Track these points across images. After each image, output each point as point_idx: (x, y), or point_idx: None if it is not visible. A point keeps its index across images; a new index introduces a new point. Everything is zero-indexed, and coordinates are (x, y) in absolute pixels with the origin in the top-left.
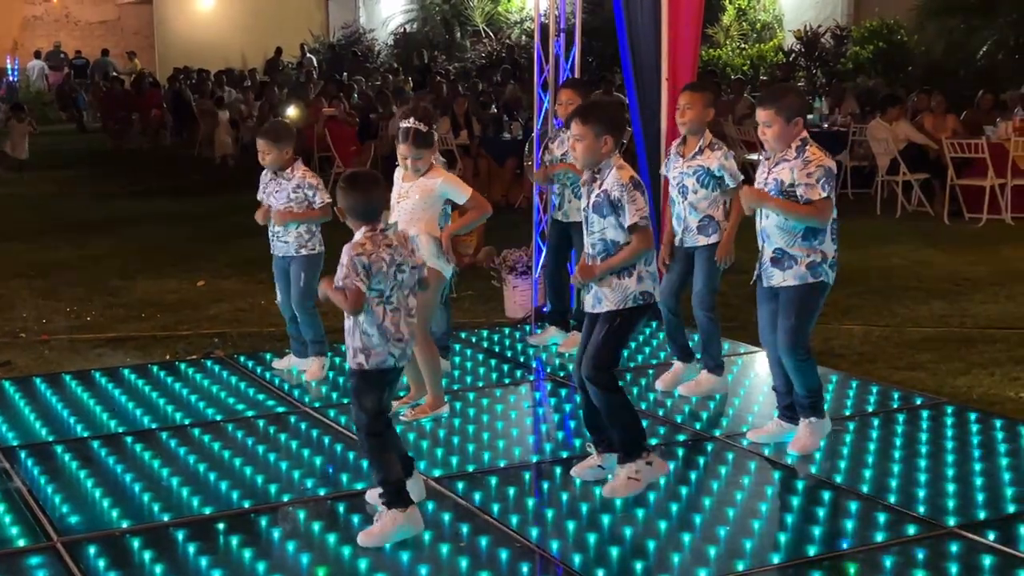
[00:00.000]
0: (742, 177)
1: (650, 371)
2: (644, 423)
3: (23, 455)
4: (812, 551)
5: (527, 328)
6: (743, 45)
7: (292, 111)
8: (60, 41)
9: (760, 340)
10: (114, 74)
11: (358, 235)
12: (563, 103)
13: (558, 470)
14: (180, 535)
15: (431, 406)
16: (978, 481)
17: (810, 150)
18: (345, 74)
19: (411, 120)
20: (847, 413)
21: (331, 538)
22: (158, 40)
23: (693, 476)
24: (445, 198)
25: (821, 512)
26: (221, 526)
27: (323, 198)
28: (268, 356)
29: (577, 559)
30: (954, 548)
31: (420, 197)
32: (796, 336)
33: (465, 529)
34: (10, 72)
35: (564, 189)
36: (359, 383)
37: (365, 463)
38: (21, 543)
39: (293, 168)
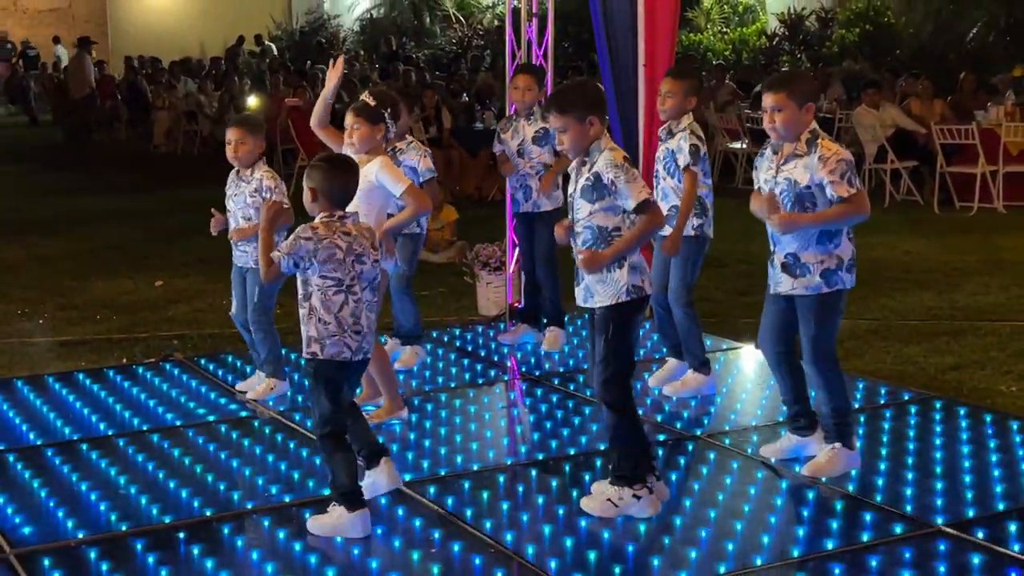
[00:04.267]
0: (689, 161)
1: (646, 373)
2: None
3: None
4: (796, 552)
5: (501, 326)
6: (725, 29)
7: (253, 101)
8: (7, 30)
9: (759, 344)
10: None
11: (316, 219)
12: (519, 88)
13: (533, 473)
14: (139, 545)
15: (387, 411)
16: (967, 478)
17: (823, 144)
18: (309, 63)
19: (369, 96)
20: None
21: (296, 545)
22: (112, 28)
23: (673, 477)
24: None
25: (805, 512)
26: (182, 535)
27: (283, 199)
28: (229, 358)
29: (553, 564)
30: (942, 547)
31: (361, 187)
32: (819, 345)
33: (437, 535)
34: None
35: (532, 179)
36: (314, 376)
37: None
38: None
39: (254, 168)
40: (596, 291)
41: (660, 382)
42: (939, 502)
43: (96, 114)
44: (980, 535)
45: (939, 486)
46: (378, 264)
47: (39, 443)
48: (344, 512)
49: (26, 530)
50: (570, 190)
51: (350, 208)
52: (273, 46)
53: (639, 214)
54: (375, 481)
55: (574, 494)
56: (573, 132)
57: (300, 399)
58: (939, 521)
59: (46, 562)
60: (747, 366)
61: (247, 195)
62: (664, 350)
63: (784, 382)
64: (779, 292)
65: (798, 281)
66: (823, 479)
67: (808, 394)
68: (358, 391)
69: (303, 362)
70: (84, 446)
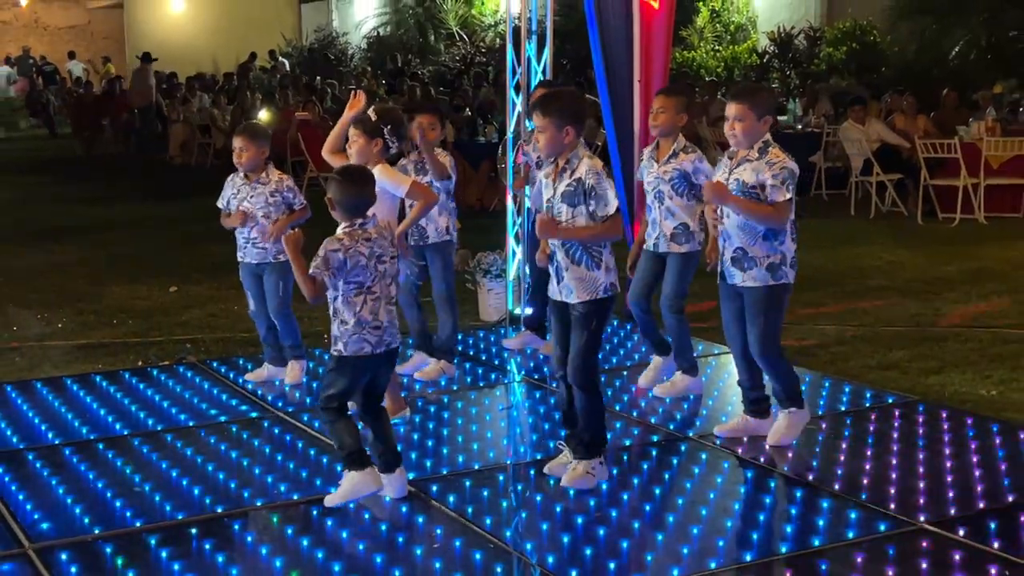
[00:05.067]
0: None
1: (624, 372)
2: (617, 424)
3: None
4: (784, 548)
5: (502, 331)
6: (717, 47)
7: (264, 115)
8: (29, 46)
9: (724, 336)
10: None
11: (339, 230)
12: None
13: (532, 472)
14: (153, 540)
15: (391, 411)
16: (949, 478)
17: (772, 151)
18: (318, 78)
19: (372, 111)
20: (820, 412)
21: (304, 541)
22: (129, 45)
23: (666, 476)
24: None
25: (793, 510)
26: (194, 531)
27: (302, 199)
28: (241, 361)
29: (551, 559)
30: (925, 544)
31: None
32: (766, 338)
33: (439, 531)
34: None
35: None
36: (334, 365)
37: (339, 467)
38: None
39: (268, 172)
40: (575, 288)
41: (650, 382)
42: (922, 501)
43: (151, 125)
44: (961, 532)
45: (922, 485)
46: (396, 259)
47: (57, 442)
48: (355, 475)
49: (44, 525)
50: (547, 195)
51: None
52: (286, 61)
53: (605, 220)
54: (385, 485)
55: (571, 493)
56: (549, 135)
57: (308, 400)
58: (922, 519)
59: (63, 556)
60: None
61: (267, 196)
62: (643, 349)
63: (747, 370)
64: (733, 283)
65: (747, 274)
66: (809, 476)
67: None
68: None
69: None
70: (100, 445)
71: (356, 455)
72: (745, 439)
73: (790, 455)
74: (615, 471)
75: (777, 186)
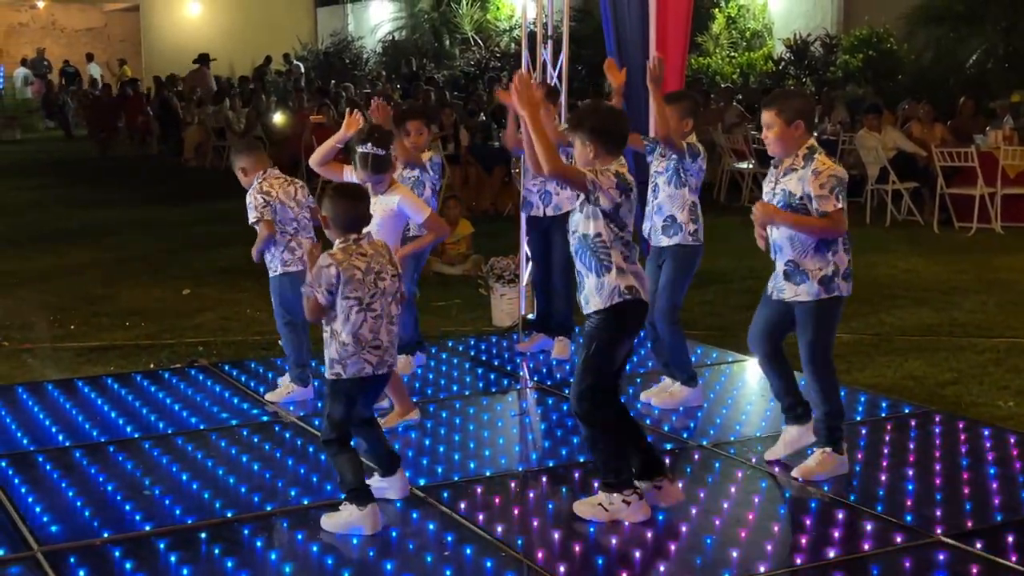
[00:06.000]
0: (701, 153)
1: (638, 380)
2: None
3: (3, 464)
4: (799, 560)
5: (515, 336)
6: (733, 53)
7: (279, 118)
8: (44, 48)
9: (748, 342)
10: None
11: (334, 246)
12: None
13: (544, 479)
14: (162, 544)
15: (399, 414)
16: (966, 490)
17: (819, 159)
18: (333, 82)
19: (368, 145)
20: None
21: (314, 547)
22: (145, 47)
23: (680, 485)
24: (406, 216)
25: (808, 521)
26: (203, 535)
27: (254, 215)
28: (252, 364)
29: (562, 568)
30: (941, 557)
31: (381, 216)
32: (816, 350)
33: (450, 538)
34: None
35: (548, 183)
36: (331, 391)
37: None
38: (1, 552)
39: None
40: (591, 298)
41: (652, 396)
42: (938, 513)
43: (129, 131)
44: (979, 545)
45: (939, 497)
46: (397, 278)
47: (68, 444)
48: (355, 510)
49: (54, 528)
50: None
51: (367, 231)
52: (301, 65)
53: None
54: (386, 488)
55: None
56: (577, 150)
57: (320, 404)
58: (938, 531)
59: (72, 560)
60: (752, 379)
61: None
62: (651, 364)
63: (775, 378)
64: (782, 299)
65: (800, 288)
66: (824, 487)
67: (797, 384)
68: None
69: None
70: (111, 448)
71: (357, 492)
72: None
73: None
74: None
75: (825, 196)
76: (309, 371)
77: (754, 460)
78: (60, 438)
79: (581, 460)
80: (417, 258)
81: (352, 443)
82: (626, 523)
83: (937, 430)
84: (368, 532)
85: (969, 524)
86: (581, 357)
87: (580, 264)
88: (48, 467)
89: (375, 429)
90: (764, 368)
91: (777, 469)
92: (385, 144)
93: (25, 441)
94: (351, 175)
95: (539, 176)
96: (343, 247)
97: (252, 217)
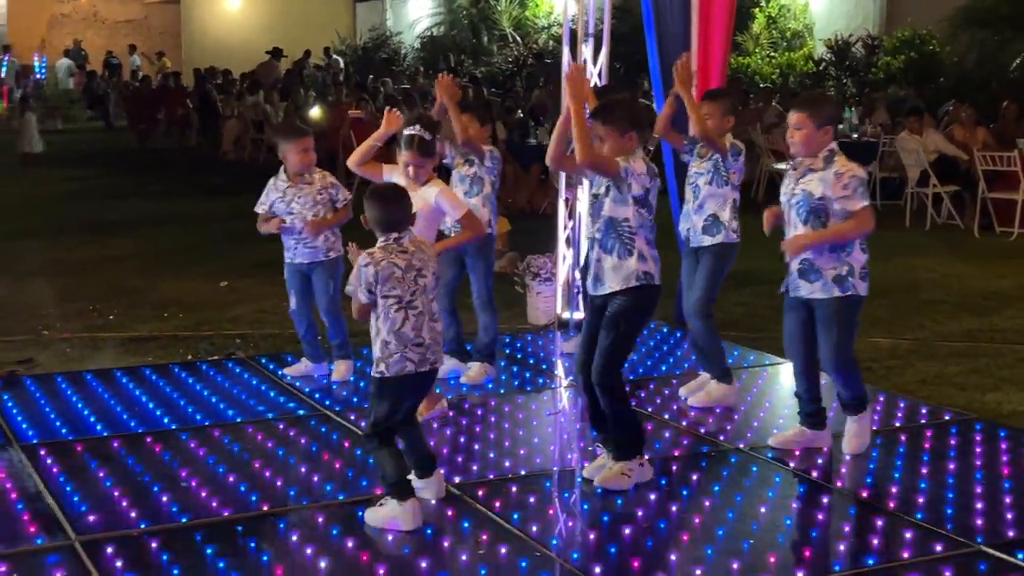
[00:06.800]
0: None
1: (674, 381)
2: (667, 434)
3: (43, 453)
4: (837, 567)
5: (550, 335)
6: (772, 53)
7: (315, 112)
8: (82, 39)
9: (784, 349)
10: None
11: (376, 245)
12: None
13: (579, 479)
14: (198, 536)
15: (426, 407)
16: (1008, 499)
17: (839, 161)
18: (371, 77)
19: (416, 127)
20: (874, 428)
21: (349, 543)
22: (185, 40)
23: (716, 488)
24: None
25: (846, 527)
26: (239, 528)
27: (346, 195)
28: (289, 358)
29: (597, 570)
30: (982, 567)
31: (417, 209)
32: (839, 351)
33: (484, 537)
34: (37, 70)
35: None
36: (376, 389)
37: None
38: (39, 541)
39: (311, 172)
40: (607, 278)
41: (690, 391)
42: (979, 522)
43: (169, 123)
44: (1020, 556)
45: (979, 506)
46: (436, 276)
47: (106, 434)
48: (396, 504)
49: (91, 518)
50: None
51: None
52: (340, 60)
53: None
54: (422, 488)
55: (618, 502)
56: (612, 142)
57: (355, 400)
58: (979, 541)
59: (109, 550)
60: (789, 381)
61: (313, 196)
62: (693, 358)
63: (804, 382)
64: (798, 295)
65: (813, 286)
66: (863, 494)
67: (821, 390)
68: None
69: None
70: (149, 439)
71: (399, 486)
72: (797, 451)
73: (844, 470)
74: (663, 481)
75: (850, 195)
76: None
77: (792, 464)
78: (98, 428)
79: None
80: (487, 263)
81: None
82: (663, 524)
83: (978, 437)
84: (407, 527)
85: (1011, 534)
86: (608, 337)
87: (599, 247)
88: (86, 457)
89: (416, 429)
90: (797, 372)
91: (816, 474)
92: (432, 130)
93: (64, 431)
94: (391, 175)
95: (554, 169)
96: (383, 246)
97: (344, 199)
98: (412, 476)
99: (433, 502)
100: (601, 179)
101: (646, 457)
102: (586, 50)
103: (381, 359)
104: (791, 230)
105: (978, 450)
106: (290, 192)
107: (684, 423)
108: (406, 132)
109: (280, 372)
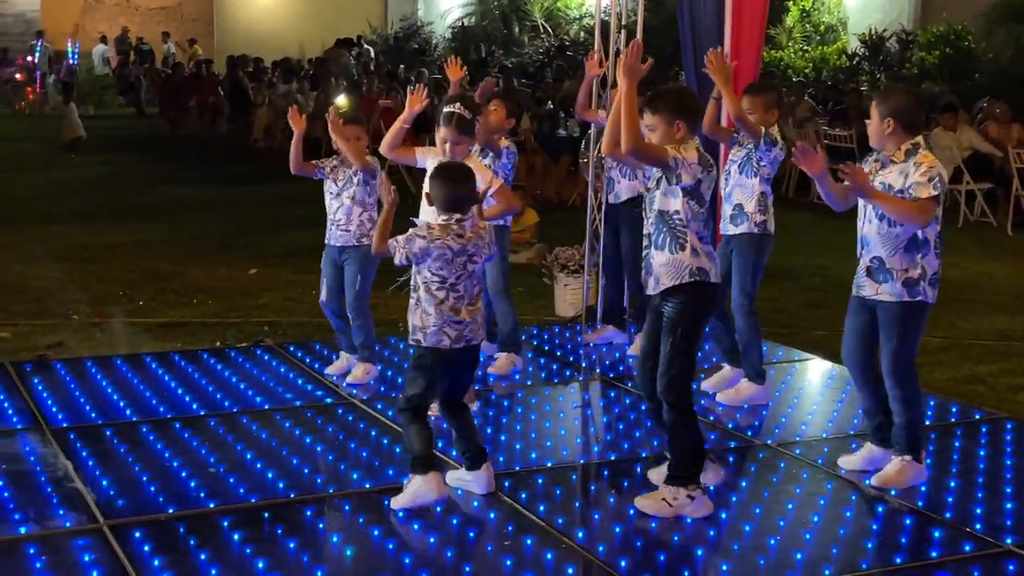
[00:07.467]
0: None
1: (701, 375)
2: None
3: (72, 436)
4: (864, 565)
5: (578, 327)
6: (806, 47)
7: (342, 100)
8: (127, 27)
9: (842, 356)
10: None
11: (437, 220)
12: None
13: (606, 472)
14: (225, 522)
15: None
16: None
17: (922, 153)
18: (402, 67)
19: (456, 105)
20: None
21: (375, 531)
22: (217, 27)
23: (744, 484)
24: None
25: (875, 525)
26: (266, 515)
27: (381, 175)
28: (317, 346)
29: (623, 563)
30: (1011, 567)
31: None
32: (899, 359)
33: (510, 528)
34: (70, 55)
35: (612, 170)
36: (416, 360)
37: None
38: (68, 524)
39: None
40: (661, 277)
41: (715, 387)
42: (1009, 522)
43: (200, 110)
44: None
45: (1009, 507)
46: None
47: (135, 419)
48: (417, 478)
49: (120, 503)
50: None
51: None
52: (371, 49)
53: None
54: (470, 482)
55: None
56: (661, 131)
57: (382, 389)
58: (1008, 541)
59: (137, 534)
60: (818, 377)
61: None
62: (715, 358)
63: (868, 395)
64: (862, 295)
65: (881, 287)
66: (892, 492)
67: (888, 404)
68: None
69: (408, 347)
70: (177, 424)
71: (421, 459)
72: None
73: (872, 469)
74: None
75: (923, 183)
76: (375, 349)
77: (819, 462)
78: (127, 413)
79: (644, 455)
80: (503, 252)
81: (431, 421)
82: (689, 519)
83: (1008, 437)
84: (432, 498)
85: None
86: (668, 343)
87: (651, 243)
88: (115, 441)
89: (466, 418)
90: (858, 384)
91: (843, 472)
92: (473, 110)
93: (93, 415)
94: (424, 158)
95: (610, 157)
96: (443, 224)
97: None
98: (461, 470)
99: (459, 491)
100: (654, 171)
101: (699, 489)
102: (619, 42)
103: (419, 327)
104: (865, 223)
105: (1008, 449)
106: (339, 171)
107: (712, 418)
108: (446, 109)
109: (317, 365)
